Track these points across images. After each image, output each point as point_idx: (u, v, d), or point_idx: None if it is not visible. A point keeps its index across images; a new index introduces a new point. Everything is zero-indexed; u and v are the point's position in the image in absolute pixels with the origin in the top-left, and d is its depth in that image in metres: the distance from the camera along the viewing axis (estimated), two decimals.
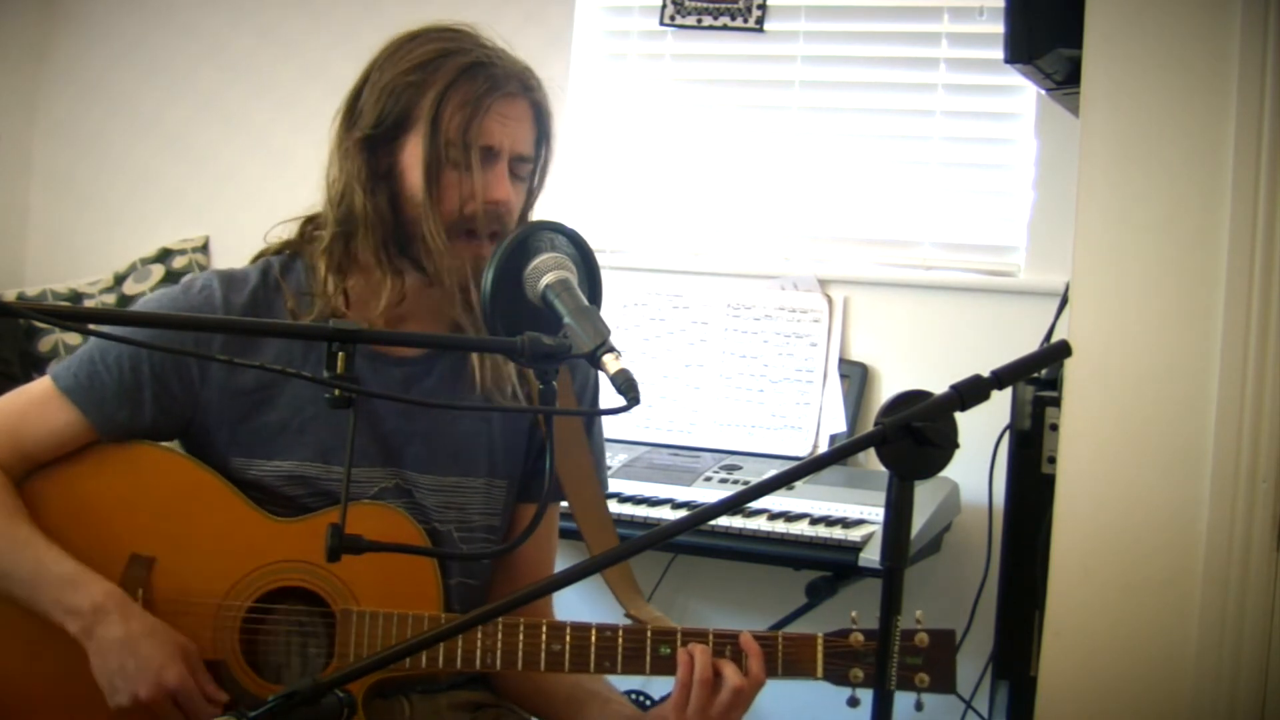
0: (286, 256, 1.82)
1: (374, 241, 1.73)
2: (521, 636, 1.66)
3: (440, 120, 1.69)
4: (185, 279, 1.81)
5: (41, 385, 1.74)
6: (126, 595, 1.65)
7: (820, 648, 1.67)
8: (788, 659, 1.67)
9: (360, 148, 1.73)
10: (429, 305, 1.77)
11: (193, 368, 1.74)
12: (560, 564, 1.97)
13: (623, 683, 1.85)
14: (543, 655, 1.66)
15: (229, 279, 1.78)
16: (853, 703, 1.65)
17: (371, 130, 1.72)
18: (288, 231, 1.84)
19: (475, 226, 1.71)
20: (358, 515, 1.67)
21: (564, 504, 1.84)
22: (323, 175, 1.78)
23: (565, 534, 1.95)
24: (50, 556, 1.65)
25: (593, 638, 1.66)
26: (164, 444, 1.78)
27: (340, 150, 1.76)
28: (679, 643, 1.66)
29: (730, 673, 1.63)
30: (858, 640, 1.67)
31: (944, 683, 1.67)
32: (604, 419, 2.00)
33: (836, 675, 1.67)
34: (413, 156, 1.71)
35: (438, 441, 1.79)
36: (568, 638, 1.66)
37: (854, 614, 1.70)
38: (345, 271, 1.76)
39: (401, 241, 1.74)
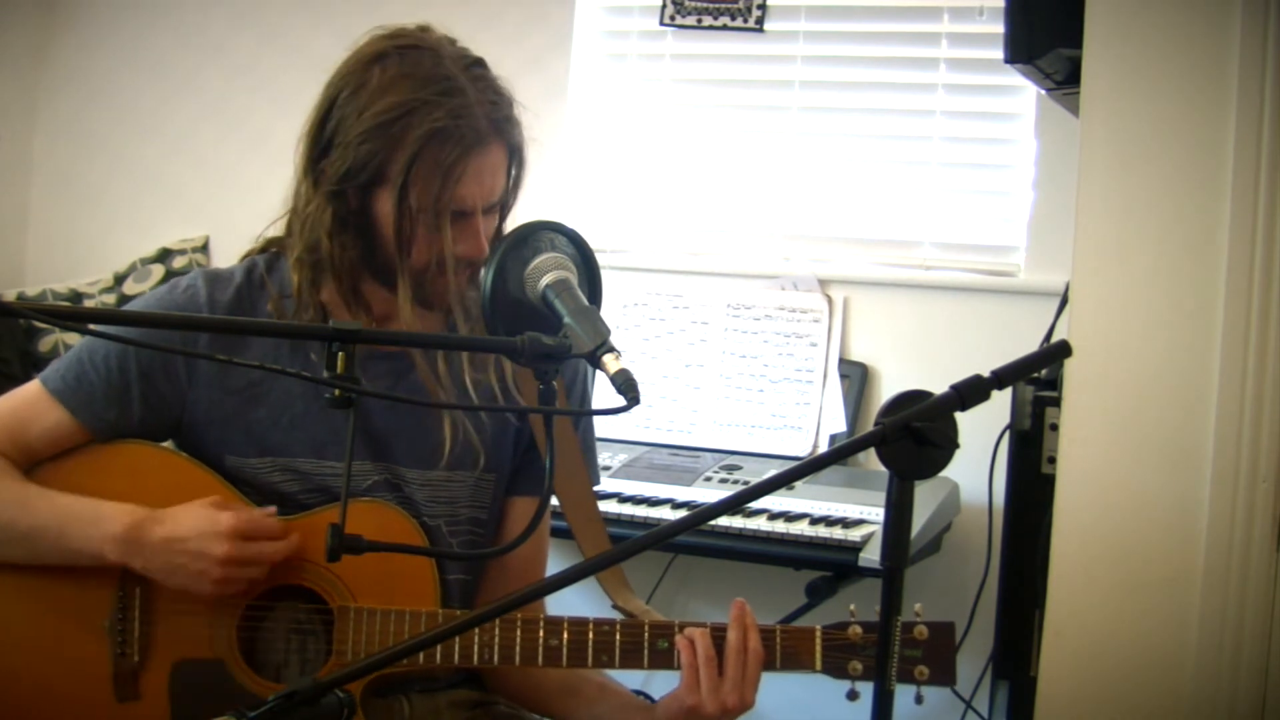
0: (272, 255, 1.82)
1: (338, 286, 1.74)
2: (519, 632, 1.66)
3: (408, 191, 1.66)
4: (172, 280, 1.82)
5: (31, 388, 1.75)
6: (147, 509, 1.67)
7: (819, 640, 1.68)
8: (786, 651, 1.68)
9: (328, 199, 1.70)
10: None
11: (180, 367, 1.74)
12: (551, 561, 1.96)
13: (623, 680, 1.84)
14: (540, 650, 1.66)
15: (214, 278, 1.78)
16: (852, 696, 1.65)
17: (337, 186, 1.69)
18: (276, 230, 1.83)
19: (445, 273, 1.70)
20: (355, 513, 1.67)
21: (554, 499, 1.84)
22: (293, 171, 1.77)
23: (554, 531, 1.94)
24: (66, 501, 1.68)
25: (590, 633, 1.66)
26: (160, 443, 1.78)
27: (306, 182, 1.74)
28: (677, 636, 1.66)
29: (733, 637, 1.64)
30: (856, 633, 1.67)
31: (944, 675, 1.67)
32: (604, 418, 2.00)
33: (835, 668, 1.68)
34: (384, 212, 1.69)
35: (426, 436, 1.79)
36: (565, 633, 1.66)
37: (852, 607, 1.70)
38: (318, 285, 1.76)
39: (376, 272, 1.73)
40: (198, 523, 1.64)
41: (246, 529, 1.64)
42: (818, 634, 1.68)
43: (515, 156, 1.75)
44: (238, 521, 1.64)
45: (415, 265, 1.70)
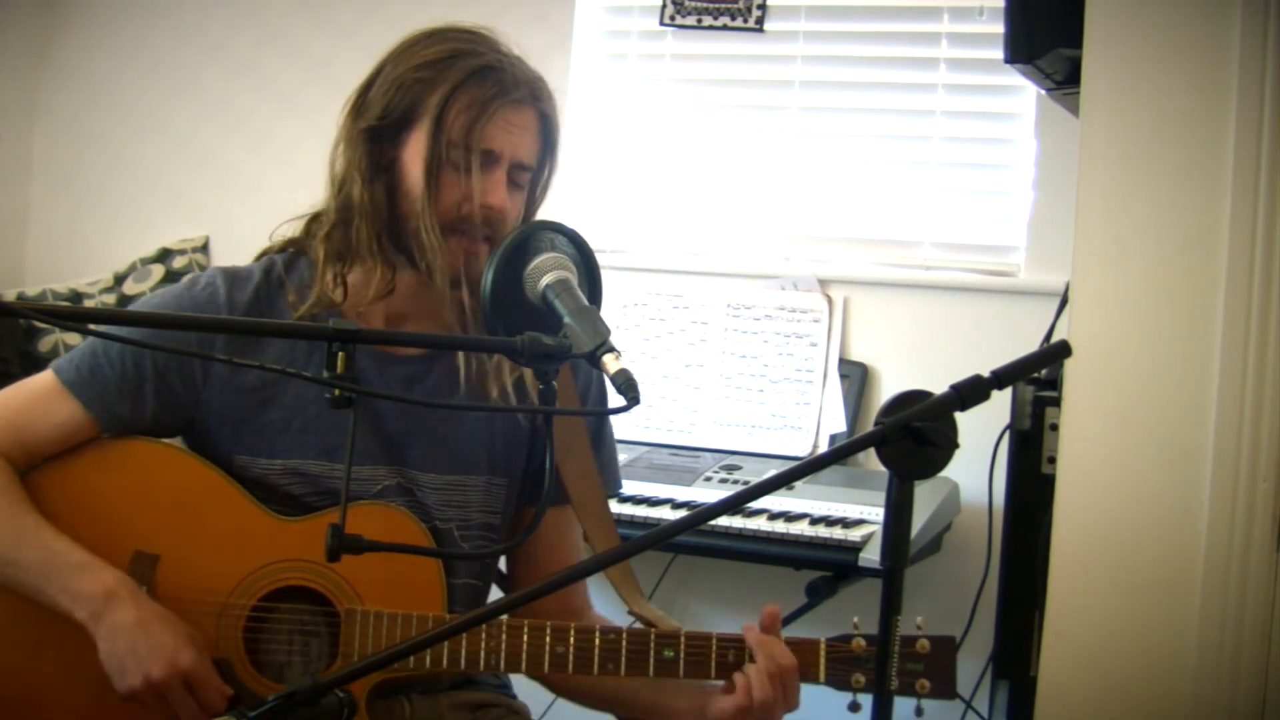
0: (290, 254, 1.83)
1: (369, 232, 1.74)
2: (526, 638, 1.66)
3: (445, 119, 1.70)
4: (189, 276, 1.82)
5: (43, 378, 1.74)
6: (132, 586, 1.65)
7: (823, 652, 1.68)
8: None
9: (364, 138, 1.74)
10: (428, 306, 1.78)
11: (195, 366, 1.74)
12: None
13: None
14: (547, 657, 1.66)
15: (233, 276, 1.79)
16: (854, 707, 1.65)
17: (377, 122, 1.73)
18: (293, 230, 1.84)
19: (468, 227, 1.72)
20: (361, 515, 1.67)
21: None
22: (327, 165, 1.79)
23: None
24: (59, 545, 1.65)
25: (596, 640, 1.66)
26: (168, 441, 1.78)
27: (345, 139, 1.77)
28: (682, 645, 1.66)
29: (777, 653, 1.64)
30: (860, 645, 1.67)
31: (945, 689, 1.67)
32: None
33: (839, 680, 1.67)
34: (414, 152, 1.72)
35: (439, 440, 1.79)
36: (571, 640, 1.66)
37: (856, 619, 1.70)
38: (344, 260, 1.77)
39: (396, 235, 1.75)
40: (167, 637, 1.60)
41: (193, 680, 1.61)
42: (822, 646, 1.68)
43: (547, 129, 1.79)
44: (194, 669, 1.60)
45: (440, 208, 1.71)
